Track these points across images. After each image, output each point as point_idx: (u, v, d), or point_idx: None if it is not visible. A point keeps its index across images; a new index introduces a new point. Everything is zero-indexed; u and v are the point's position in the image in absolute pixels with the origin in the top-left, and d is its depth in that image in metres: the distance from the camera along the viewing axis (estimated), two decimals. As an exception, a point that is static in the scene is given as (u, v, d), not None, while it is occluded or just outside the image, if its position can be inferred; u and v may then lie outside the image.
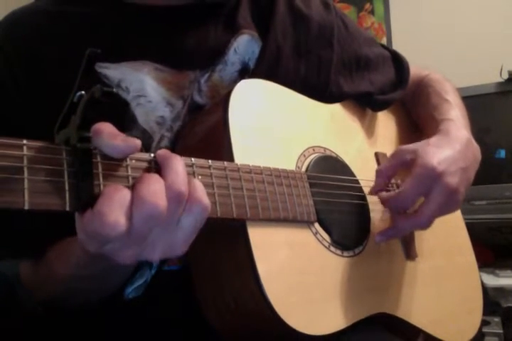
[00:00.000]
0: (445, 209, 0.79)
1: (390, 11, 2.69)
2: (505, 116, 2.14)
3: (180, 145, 0.73)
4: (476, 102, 2.06)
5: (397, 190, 0.81)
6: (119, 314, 0.74)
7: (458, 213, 1.05)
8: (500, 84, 2.11)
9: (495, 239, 2.13)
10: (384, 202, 0.80)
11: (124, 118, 0.73)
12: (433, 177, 0.76)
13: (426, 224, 0.78)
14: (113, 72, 0.73)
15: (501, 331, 1.83)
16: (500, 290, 1.96)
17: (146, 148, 0.73)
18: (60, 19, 0.75)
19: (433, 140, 0.84)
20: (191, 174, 0.56)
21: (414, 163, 0.77)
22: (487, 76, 2.12)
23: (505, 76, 2.08)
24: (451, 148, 0.82)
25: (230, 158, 0.64)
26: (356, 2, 2.75)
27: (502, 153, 2.08)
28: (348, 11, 2.69)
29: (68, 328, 0.75)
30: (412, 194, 0.76)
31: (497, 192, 2.05)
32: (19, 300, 0.74)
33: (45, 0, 0.80)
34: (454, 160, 0.79)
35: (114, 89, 0.46)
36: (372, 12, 2.73)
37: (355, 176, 0.84)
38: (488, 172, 2.03)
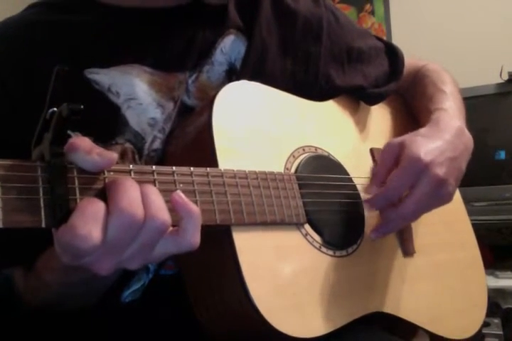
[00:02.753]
0: (434, 200, 0.77)
1: (390, 12, 2.69)
2: (505, 117, 2.14)
3: (171, 146, 0.73)
4: (476, 103, 2.05)
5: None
6: (116, 318, 0.74)
7: (461, 208, 1.02)
8: (500, 85, 2.11)
9: (494, 240, 2.12)
10: (371, 197, 0.78)
11: (116, 123, 0.73)
12: (420, 168, 0.74)
13: (411, 216, 0.76)
14: (103, 77, 0.73)
15: (501, 332, 1.83)
16: (500, 292, 1.96)
17: (138, 149, 0.73)
18: (47, 29, 0.75)
19: (422, 130, 0.82)
20: (172, 183, 0.56)
21: (401, 155, 0.76)
22: (487, 77, 2.11)
23: (505, 77, 2.08)
24: (440, 137, 0.80)
25: (214, 161, 0.64)
26: (356, 3, 2.74)
27: (502, 154, 2.07)
28: (348, 12, 2.69)
29: (65, 332, 0.75)
30: (398, 185, 0.74)
31: (497, 194, 2.05)
32: (17, 299, 0.74)
33: (31, 10, 0.79)
34: (442, 150, 0.77)
35: (82, 106, 0.45)
36: (372, 12, 2.72)
37: (348, 174, 0.82)
38: (488, 173, 2.03)
